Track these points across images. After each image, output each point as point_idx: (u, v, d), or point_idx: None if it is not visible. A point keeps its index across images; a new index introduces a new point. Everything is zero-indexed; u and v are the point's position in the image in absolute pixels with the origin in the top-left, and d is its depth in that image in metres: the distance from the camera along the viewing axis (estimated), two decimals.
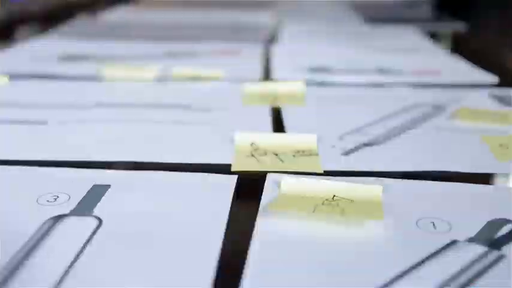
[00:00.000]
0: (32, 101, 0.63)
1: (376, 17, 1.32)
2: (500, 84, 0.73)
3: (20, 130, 0.53)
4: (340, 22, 1.25)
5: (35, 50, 0.90)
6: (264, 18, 1.31)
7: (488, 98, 0.66)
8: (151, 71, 0.74)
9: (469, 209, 0.39)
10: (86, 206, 0.38)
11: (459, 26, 1.21)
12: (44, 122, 0.56)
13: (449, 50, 0.94)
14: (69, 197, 0.39)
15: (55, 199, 0.39)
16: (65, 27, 1.12)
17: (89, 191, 0.40)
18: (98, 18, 1.28)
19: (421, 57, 0.87)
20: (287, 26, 1.18)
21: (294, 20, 1.27)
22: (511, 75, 0.81)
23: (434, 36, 1.08)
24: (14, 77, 0.72)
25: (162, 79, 0.73)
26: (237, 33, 1.10)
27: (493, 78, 0.74)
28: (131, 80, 0.72)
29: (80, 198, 0.39)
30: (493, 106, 0.63)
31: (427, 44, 0.99)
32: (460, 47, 1.06)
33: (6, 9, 2.63)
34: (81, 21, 1.22)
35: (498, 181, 0.46)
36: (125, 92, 0.67)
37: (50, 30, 1.09)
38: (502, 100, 0.65)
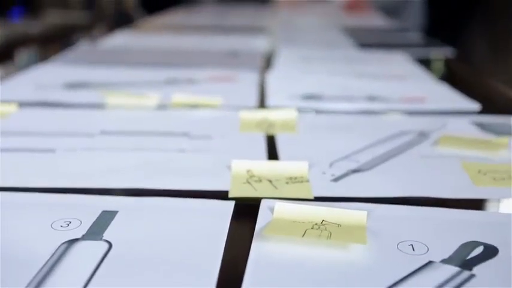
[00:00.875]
0: (40, 129, 0.66)
1: (368, 42, 1.36)
2: (483, 111, 0.77)
3: (30, 158, 0.57)
4: (333, 47, 1.30)
5: (39, 77, 0.94)
6: (259, 42, 1.36)
7: (471, 125, 0.70)
8: (152, 98, 0.78)
9: (445, 232, 0.43)
10: (97, 231, 0.42)
11: (447, 52, 1.26)
12: (52, 150, 0.59)
13: (437, 76, 0.99)
14: (81, 223, 0.43)
15: (68, 224, 0.43)
16: (67, 54, 1.16)
17: (98, 217, 0.44)
18: (99, 44, 1.32)
19: (408, 84, 0.92)
20: (282, 51, 1.23)
21: (288, 44, 1.32)
22: (493, 102, 0.85)
23: (423, 61, 1.13)
24: (21, 104, 0.75)
25: (162, 106, 0.77)
26: (233, 59, 1.14)
27: (475, 106, 0.78)
28: (133, 108, 0.76)
29: (91, 223, 0.43)
30: (475, 133, 0.67)
31: (415, 70, 1.04)
32: (446, 72, 1.11)
33: (6, 30, 2.68)
34: (83, 47, 1.26)
35: (474, 206, 0.50)
36: (128, 120, 0.71)
37: (53, 56, 1.13)
38: (483, 127, 0.69)
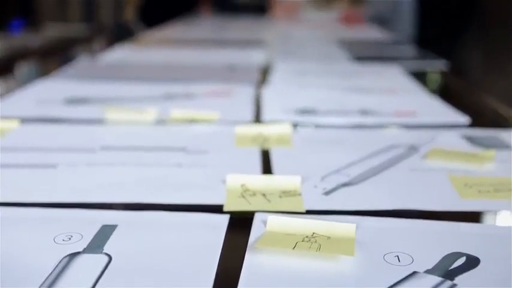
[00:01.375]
0: (42, 145, 0.68)
1: (362, 55, 1.39)
2: (472, 125, 0.79)
3: (32, 173, 0.59)
4: (329, 60, 1.32)
5: (40, 92, 0.96)
6: (256, 56, 1.38)
7: (460, 138, 0.73)
8: (150, 113, 0.80)
9: (430, 244, 0.45)
10: (97, 244, 0.44)
11: (441, 64, 1.28)
12: (53, 166, 0.61)
13: (429, 89, 1.01)
14: (82, 236, 0.45)
15: (69, 238, 0.45)
16: (68, 69, 1.18)
17: (99, 231, 0.46)
18: (99, 59, 1.34)
19: (400, 97, 0.94)
20: (278, 64, 1.25)
21: (284, 58, 1.34)
22: (483, 116, 0.87)
23: (416, 74, 1.15)
24: (23, 120, 0.78)
25: (160, 121, 0.79)
26: (231, 73, 1.17)
27: (465, 119, 0.80)
28: (132, 123, 0.78)
29: (91, 237, 0.45)
30: (464, 146, 0.69)
31: (407, 83, 1.06)
32: (439, 85, 1.13)
33: (6, 43, 2.70)
34: (83, 62, 1.28)
35: (460, 218, 0.52)
36: (127, 135, 0.73)
37: (53, 69, 1.15)
38: (472, 141, 0.72)
